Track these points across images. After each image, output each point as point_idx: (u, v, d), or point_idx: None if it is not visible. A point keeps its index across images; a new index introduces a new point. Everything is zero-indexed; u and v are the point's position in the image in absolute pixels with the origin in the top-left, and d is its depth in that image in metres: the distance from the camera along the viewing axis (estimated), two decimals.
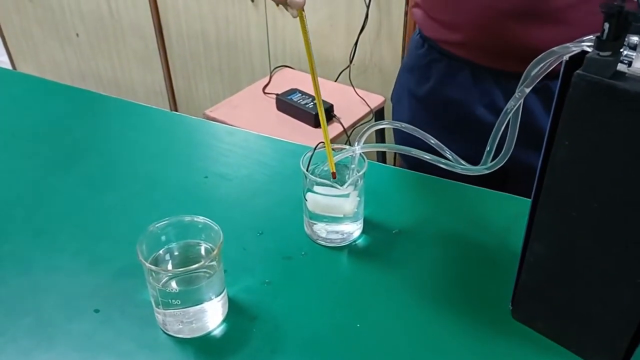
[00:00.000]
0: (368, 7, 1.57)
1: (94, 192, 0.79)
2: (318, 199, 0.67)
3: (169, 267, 0.58)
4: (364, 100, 1.61)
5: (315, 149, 0.69)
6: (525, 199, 0.76)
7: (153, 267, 0.54)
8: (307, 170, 0.67)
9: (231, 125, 1.52)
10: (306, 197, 0.68)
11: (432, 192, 0.79)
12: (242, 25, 1.87)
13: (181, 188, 0.80)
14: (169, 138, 0.93)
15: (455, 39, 0.83)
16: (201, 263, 0.54)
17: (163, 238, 0.58)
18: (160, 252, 0.58)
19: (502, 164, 0.59)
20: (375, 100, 1.63)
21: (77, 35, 2.34)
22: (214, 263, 0.56)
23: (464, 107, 0.86)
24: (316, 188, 0.67)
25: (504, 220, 0.73)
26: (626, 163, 0.43)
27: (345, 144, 1.70)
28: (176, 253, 0.58)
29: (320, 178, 0.67)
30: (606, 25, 0.40)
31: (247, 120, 1.50)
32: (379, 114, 1.65)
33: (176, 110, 2.29)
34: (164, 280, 0.55)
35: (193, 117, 1.00)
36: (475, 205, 0.77)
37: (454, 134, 0.85)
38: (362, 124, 1.59)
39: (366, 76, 1.73)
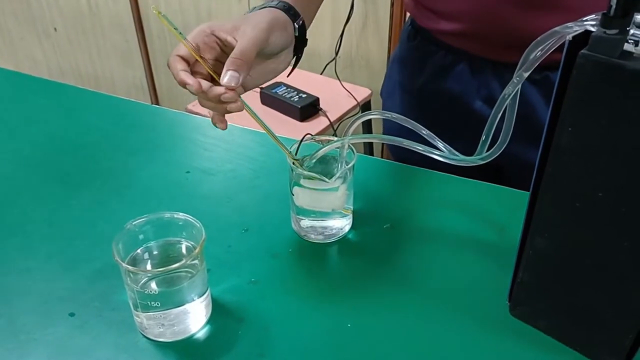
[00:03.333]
0: None
1: (70, 189, 0.75)
2: (306, 193, 0.64)
3: (148, 267, 0.54)
4: (350, 93, 1.58)
5: (301, 141, 0.66)
6: (521, 191, 0.73)
7: (130, 268, 0.50)
8: (293, 164, 0.63)
9: None
10: (293, 192, 0.65)
11: (424, 185, 0.76)
12: (225, 18, 1.83)
13: (162, 184, 0.76)
14: (149, 132, 0.89)
15: (452, 29, 0.79)
16: (182, 262, 0.50)
17: (141, 237, 0.54)
18: (139, 251, 0.54)
19: (497, 154, 0.56)
20: (362, 93, 1.60)
21: (55, 30, 2.28)
22: (195, 262, 0.52)
23: (461, 100, 0.82)
24: (303, 182, 0.64)
25: (498, 214, 0.71)
26: (635, 148, 0.41)
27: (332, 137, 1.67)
28: (155, 252, 0.55)
29: (308, 171, 0.64)
30: (614, 1, 0.38)
31: (231, 115, 1.46)
32: (365, 107, 1.62)
33: (158, 106, 2.25)
34: (142, 281, 0.51)
35: (174, 110, 0.96)
36: (468, 198, 0.74)
37: (450, 129, 0.80)
38: (349, 117, 1.56)
39: (352, 69, 1.70)
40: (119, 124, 0.91)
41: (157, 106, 0.98)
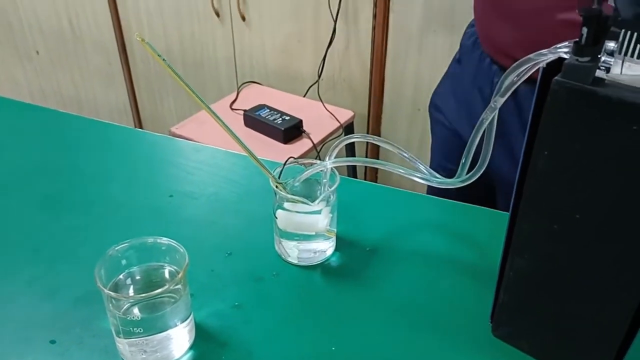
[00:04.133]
0: (335, 21, 1.56)
1: (52, 213, 0.74)
2: (289, 216, 0.64)
3: (131, 292, 0.54)
4: (333, 115, 1.60)
5: (284, 164, 0.66)
6: (502, 212, 0.74)
7: (112, 294, 0.50)
8: (276, 187, 0.64)
9: (198, 143, 1.49)
10: (276, 215, 0.65)
11: (406, 207, 0.77)
12: (208, 41, 1.84)
13: (145, 208, 0.76)
14: (132, 156, 0.89)
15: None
16: (165, 287, 0.50)
17: (124, 262, 0.54)
18: (121, 276, 0.54)
19: (477, 177, 0.57)
20: (345, 114, 1.62)
21: (38, 53, 2.27)
22: (179, 287, 0.52)
23: None
24: (286, 205, 0.64)
25: (481, 235, 0.72)
26: (609, 171, 0.42)
27: (315, 159, 1.68)
28: (138, 277, 0.55)
29: (291, 194, 0.64)
30: (585, 30, 0.39)
31: (215, 137, 1.46)
32: (349, 129, 1.64)
33: (141, 128, 2.24)
34: (125, 307, 0.51)
35: (158, 134, 0.96)
36: (450, 219, 0.75)
37: None
38: (332, 139, 1.57)
39: (335, 91, 1.72)
40: (102, 147, 0.90)
41: (139, 130, 0.98)
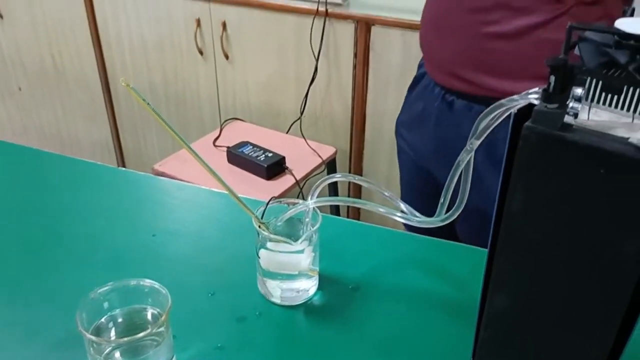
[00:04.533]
0: (317, 60, 1.59)
1: (32, 254, 0.74)
2: (272, 255, 0.65)
3: (113, 335, 0.54)
4: (315, 151, 1.61)
5: (267, 204, 0.67)
6: (482, 249, 0.76)
7: (94, 338, 0.50)
8: (259, 227, 0.64)
9: (181, 180, 1.49)
10: (259, 254, 0.65)
11: (388, 244, 0.78)
12: (191, 78, 1.86)
13: (127, 248, 0.76)
14: (115, 195, 0.89)
15: None
16: (148, 330, 0.50)
17: (106, 305, 0.54)
18: (103, 320, 0.54)
19: (456, 216, 0.58)
20: (327, 151, 1.64)
21: (20, 89, 2.27)
22: (162, 329, 0.52)
23: None
24: (269, 245, 0.65)
25: (461, 271, 0.73)
26: (580, 211, 0.43)
27: (298, 196, 1.69)
28: (120, 320, 0.54)
29: (274, 234, 0.65)
30: (552, 79, 0.41)
31: (198, 174, 1.47)
32: (330, 165, 1.65)
33: (124, 165, 2.24)
34: (106, 351, 0.51)
35: (140, 172, 0.97)
36: (431, 256, 0.76)
37: None
38: (314, 175, 1.59)
39: (317, 127, 1.74)
40: (84, 186, 0.90)
41: (122, 169, 0.98)
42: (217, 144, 1.66)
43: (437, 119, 1.03)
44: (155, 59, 1.89)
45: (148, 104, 0.57)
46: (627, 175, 0.40)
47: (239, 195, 0.64)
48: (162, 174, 1.52)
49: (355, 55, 1.56)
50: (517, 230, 0.48)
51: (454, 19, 0.94)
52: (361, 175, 1.79)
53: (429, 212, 0.89)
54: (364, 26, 1.50)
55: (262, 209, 0.66)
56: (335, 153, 1.65)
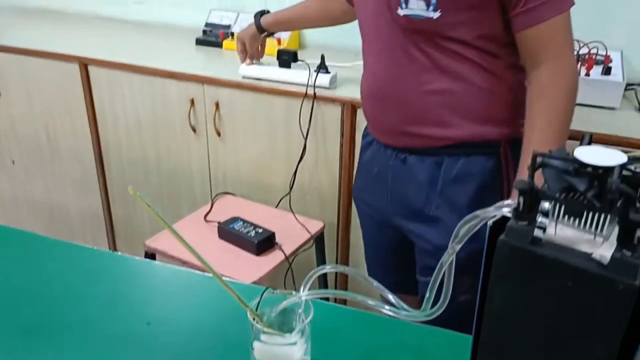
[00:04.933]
0: (306, 139, 1.66)
1: (20, 343, 0.76)
2: (265, 347, 0.68)
3: None
4: (304, 226, 1.66)
5: (261, 296, 0.70)
6: (469, 336, 0.79)
7: None
8: (253, 319, 0.67)
9: (173, 257, 1.51)
10: (253, 346, 0.68)
11: (379, 331, 0.81)
12: (184, 153, 1.92)
13: (121, 337, 0.78)
14: (110, 281, 0.92)
15: None
16: None
17: None
18: None
19: (441, 311, 0.62)
20: (315, 225, 1.68)
21: (13, 162, 2.31)
22: None
23: None
24: (263, 337, 0.67)
25: (449, 357, 0.75)
26: (552, 317, 0.48)
27: (287, 271, 1.72)
28: None
29: (268, 325, 0.68)
30: (521, 200, 0.46)
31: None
32: (319, 240, 1.69)
33: (114, 238, 2.25)
34: None
35: (135, 257, 1.00)
36: (421, 342, 0.79)
37: None
38: (303, 251, 1.62)
39: (305, 202, 1.79)
40: (78, 271, 0.92)
41: (117, 253, 1.01)
42: (208, 218, 1.69)
43: (394, 176, 1.19)
44: (149, 135, 1.94)
45: (152, 208, 0.61)
46: (591, 287, 0.45)
47: (231, 279, 0.68)
48: (155, 251, 1.55)
49: (342, 134, 1.63)
50: (496, 327, 0.52)
51: (396, 88, 1.12)
52: (348, 247, 1.83)
53: (393, 264, 1.28)
54: (350, 108, 1.58)
55: (257, 301, 0.69)
56: (323, 227, 1.69)
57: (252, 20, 1.60)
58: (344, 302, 1.50)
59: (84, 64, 1.94)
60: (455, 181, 1.11)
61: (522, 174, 1.06)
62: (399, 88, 1.11)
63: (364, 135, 1.30)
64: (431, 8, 1.01)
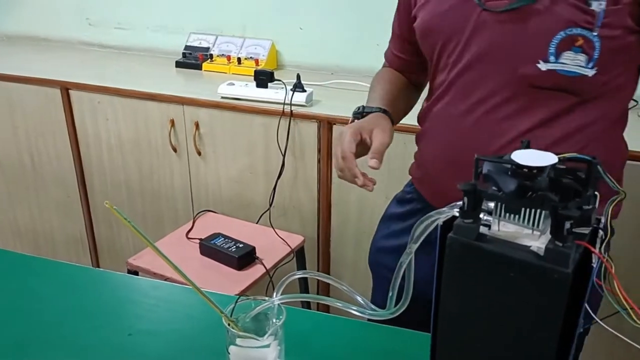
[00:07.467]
0: (284, 156, 1.70)
1: (5, 358, 0.78)
2: (240, 351, 0.71)
3: None
4: (284, 240, 1.69)
5: (236, 302, 0.74)
6: None
7: None
8: (229, 324, 0.71)
9: (155, 274, 1.53)
10: (229, 350, 0.71)
11: (354, 335, 0.85)
12: (166, 173, 1.95)
13: (103, 349, 0.80)
14: (92, 295, 0.94)
15: None
16: None
17: None
18: None
19: (404, 308, 0.66)
20: (296, 240, 1.71)
21: None
22: None
23: None
24: (238, 341, 0.71)
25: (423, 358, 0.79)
26: (501, 307, 0.52)
27: (268, 285, 1.74)
28: None
29: (243, 330, 0.71)
30: (465, 200, 0.51)
31: (171, 268, 1.52)
32: (299, 254, 1.73)
33: (97, 259, 2.26)
34: None
35: (116, 272, 1.02)
36: (394, 345, 0.82)
37: None
38: (284, 264, 1.66)
39: (286, 217, 1.83)
40: (60, 287, 0.95)
41: (98, 269, 1.04)
42: (190, 236, 1.72)
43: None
44: (131, 156, 1.98)
45: (130, 223, 0.65)
46: (531, 277, 0.49)
47: (210, 291, 0.71)
48: (137, 268, 1.57)
49: (319, 150, 1.68)
50: (451, 324, 0.56)
51: (470, 154, 0.88)
52: (329, 260, 1.87)
53: None
54: (326, 125, 1.63)
55: (232, 306, 0.73)
56: (304, 242, 1.73)
57: (230, 41, 1.62)
58: (327, 309, 1.54)
59: (66, 89, 1.98)
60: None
61: None
62: (473, 155, 0.87)
63: (409, 200, 1.13)
64: (590, 64, 0.84)
